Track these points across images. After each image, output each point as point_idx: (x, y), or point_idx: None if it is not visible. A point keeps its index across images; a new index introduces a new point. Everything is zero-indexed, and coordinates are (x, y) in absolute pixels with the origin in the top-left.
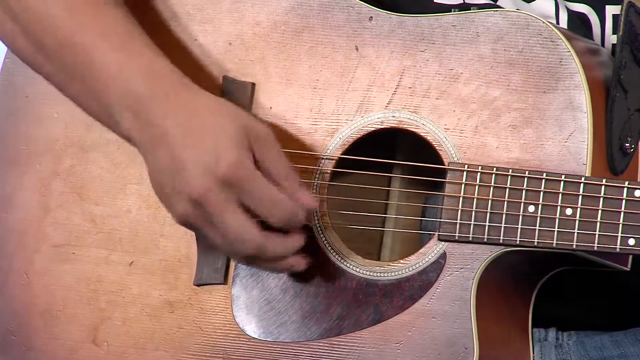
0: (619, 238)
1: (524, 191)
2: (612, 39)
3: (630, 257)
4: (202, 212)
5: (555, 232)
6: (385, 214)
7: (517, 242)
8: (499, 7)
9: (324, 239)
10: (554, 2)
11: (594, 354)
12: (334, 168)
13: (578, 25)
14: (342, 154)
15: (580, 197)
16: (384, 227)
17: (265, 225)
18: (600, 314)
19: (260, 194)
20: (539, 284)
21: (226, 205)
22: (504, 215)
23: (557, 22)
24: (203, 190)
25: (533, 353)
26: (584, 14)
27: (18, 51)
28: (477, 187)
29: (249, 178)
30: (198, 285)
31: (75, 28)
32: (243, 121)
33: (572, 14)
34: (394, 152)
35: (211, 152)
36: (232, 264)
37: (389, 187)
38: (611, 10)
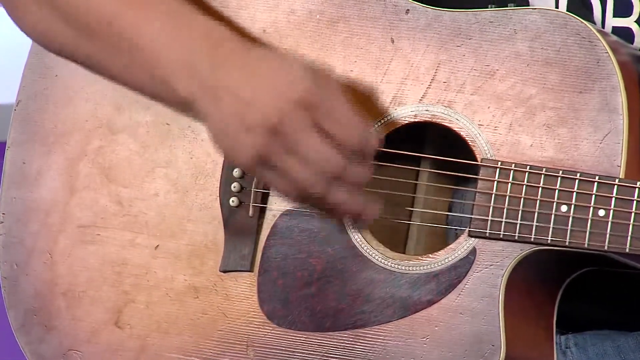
0: None
1: (556, 191)
2: (613, 21)
3: None
4: (279, 139)
5: (587, 233)
6: (413, 206)
7: (549, 241)
8: None
9: (353, 230)
10: None
11: None
12: None
13: (578, 7)
14: None
15: (613, 199)
16: (410, 220)
17: None
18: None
19: (339, 113)
20: (564, 283)
21: (304, 127)
22: (536, 214)
23: (557, 4)
24: (279, 114)
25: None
26: None
27: (53, 38)
28: (509, 184)
29: (328, 97)
30: (224, 272)
31: (120, 5)
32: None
33: None
34: (421, 146)
35: (283, 83)
36: (259, 251)
37: (417, 180)
38: None
